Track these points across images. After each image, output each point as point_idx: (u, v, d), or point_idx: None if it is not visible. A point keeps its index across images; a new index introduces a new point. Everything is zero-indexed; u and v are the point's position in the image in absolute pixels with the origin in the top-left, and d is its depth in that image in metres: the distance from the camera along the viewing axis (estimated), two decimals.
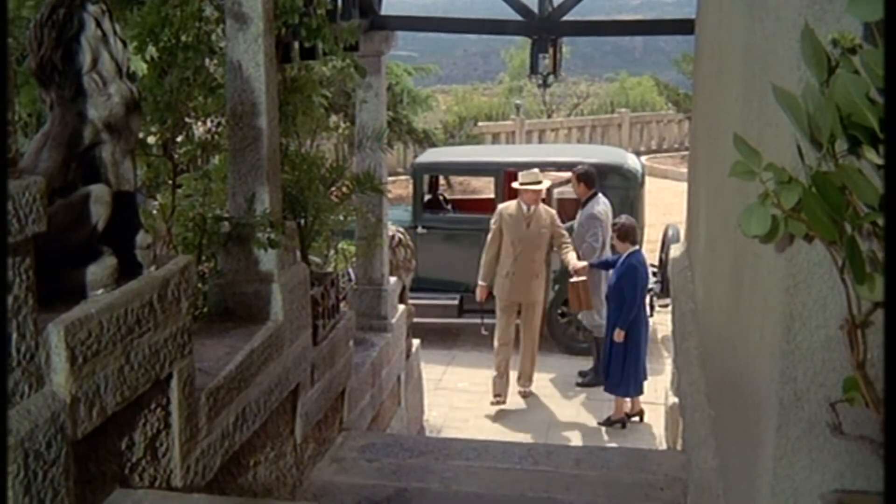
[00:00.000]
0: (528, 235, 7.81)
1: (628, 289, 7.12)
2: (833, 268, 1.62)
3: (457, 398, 8.25)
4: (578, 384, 8.28)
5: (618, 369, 7.16)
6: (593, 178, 8.25)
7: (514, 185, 8.00)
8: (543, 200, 8.14)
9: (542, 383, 8.26)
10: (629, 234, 7.27)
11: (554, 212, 8.11)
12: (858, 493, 1.81)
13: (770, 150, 1.81)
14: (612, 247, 8.35)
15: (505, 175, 9.18)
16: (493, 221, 7.99)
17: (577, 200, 9.22)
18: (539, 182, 7.87)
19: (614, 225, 7.45)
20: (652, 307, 8.26)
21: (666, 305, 6.68)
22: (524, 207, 7.82)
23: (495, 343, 7.94)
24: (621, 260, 7.29)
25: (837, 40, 1.50)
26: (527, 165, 8.82)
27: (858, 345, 1.60)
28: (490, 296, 7.92)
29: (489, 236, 7.94)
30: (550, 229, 7.91)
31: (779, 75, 1.84)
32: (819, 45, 1.52)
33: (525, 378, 8.07)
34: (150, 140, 4.40)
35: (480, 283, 7.96)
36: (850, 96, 1.45)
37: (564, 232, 8.01)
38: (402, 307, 7.10)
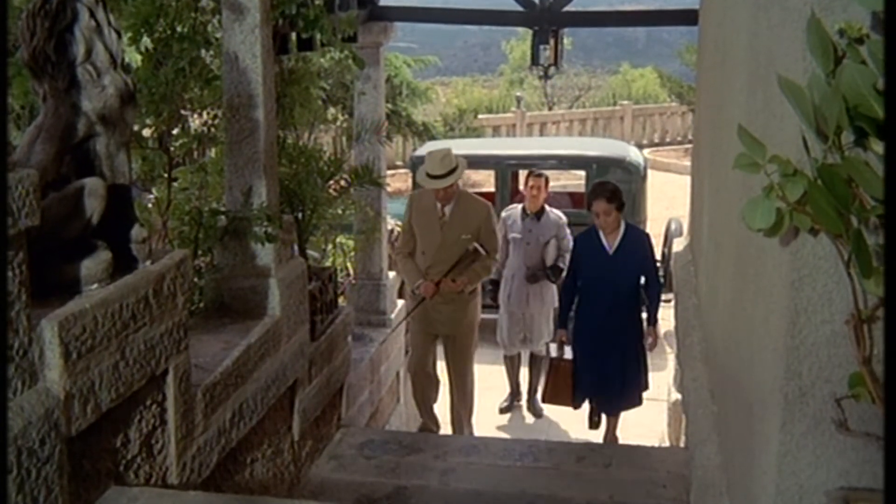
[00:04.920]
0: (441, 244, 5.65)
1: None
2: (839, 262, 1.60)
3: None
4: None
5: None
6: None
7: (420, 179, 5.77)
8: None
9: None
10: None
11: (490, 207, 5.79)
12: (864, 490, 1.80)
13: (775, 142, 1.78)
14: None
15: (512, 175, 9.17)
16: (405, 211, 5.97)
17: (583, 194, 9.22)
18: (450, 172, 5.52)
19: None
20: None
21: (669, 300, 6.62)
22: (438, 205, 5.67)
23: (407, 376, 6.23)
24: None
25: (844, 30, 1.47)
26: (528, 159, 8.80)
27: (864, 340, 1.57)
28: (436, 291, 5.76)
29: (400, 232, 6.01)
30: (478, 235, 5.64)
31: (784, 66, 1.81)
32: (825, 35, 1.49)
33: (459, 429, 6.17)
34: (146, 133, 4.37)
35: (415, 288, 5.79)
36: (857, 87, 1.42)
37: (497, 237, 5.83)
38: (401, 302, 7.08)
